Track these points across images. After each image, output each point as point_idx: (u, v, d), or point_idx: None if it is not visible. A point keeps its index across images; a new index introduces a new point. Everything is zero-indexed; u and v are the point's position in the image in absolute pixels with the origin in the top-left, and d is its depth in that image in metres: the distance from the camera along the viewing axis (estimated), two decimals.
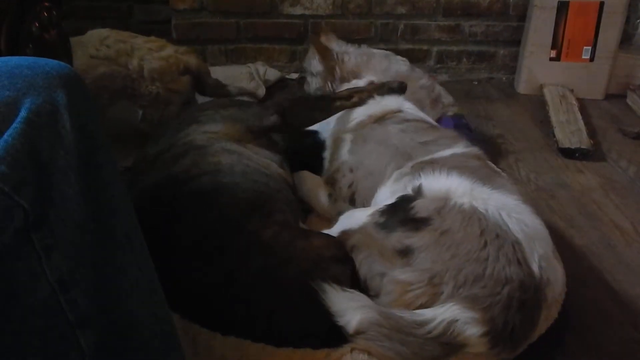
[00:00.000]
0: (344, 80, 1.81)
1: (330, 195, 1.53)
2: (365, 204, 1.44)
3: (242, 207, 1.20)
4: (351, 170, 1.51)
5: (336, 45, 1.90)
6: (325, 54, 1.85)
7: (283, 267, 1.11)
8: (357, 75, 1.80)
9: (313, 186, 1.59)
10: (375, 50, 1.95)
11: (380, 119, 1.55)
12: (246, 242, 1.13)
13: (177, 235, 1.14)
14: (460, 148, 1.39)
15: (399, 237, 1.11)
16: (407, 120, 1.53)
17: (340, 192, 1.52)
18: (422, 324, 0.97)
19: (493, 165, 1.44)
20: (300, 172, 1.63)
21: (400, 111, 1.57)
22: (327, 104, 1.64)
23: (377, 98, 1.62)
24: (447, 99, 2.09)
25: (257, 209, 1.22)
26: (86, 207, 0.66)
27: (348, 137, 1.58)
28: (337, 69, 1.82)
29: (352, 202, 1.50)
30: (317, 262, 1.14)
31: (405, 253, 1.08)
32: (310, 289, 1.02)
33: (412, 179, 1.26)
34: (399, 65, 1.94)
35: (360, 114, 1.60)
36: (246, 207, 1.21)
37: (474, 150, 1.40)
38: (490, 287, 1.00)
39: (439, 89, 2.08)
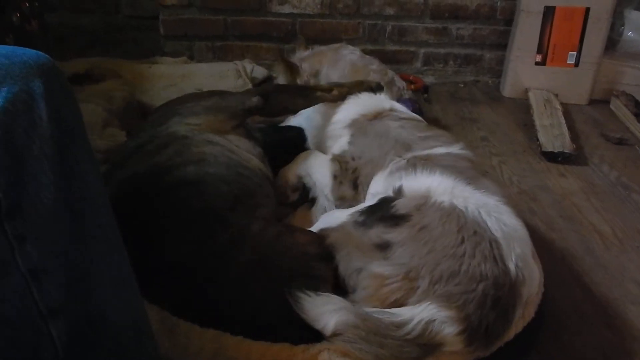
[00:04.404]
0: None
1: (335, 177, 1.52)
2: (367, 189, 1.44)
3: (227, 198, 1.20)
4: (353, 159, 1.51)
5: (297, 57, 2.06)
6: (291, 70, 1.98)
7: (270, 263, 1.11)
8: (317, 74, 1.93)
9: (320, 164, 1.57)
10: (323, 47, 2.08)
11: (375, 117, 1.57)
12: (233, 235, 1.12)
13: (161, 226, 1.13)
14: (455, 149, 1.40)
15: (378, 232, 1.11)
16: (404, 119, 1.56)
17: (346, 175, 1.51)
18: (400, 325, 0.97)
19: (483, 167, 1.45)
20: (309, 151, 1.67)
21: (393, 110, 1.60)
22: (309, 93, 1.70)
23: (364, 96, 1.67)
24: (400, 83, 2.15)
25: (241, 201, 1.22)
26: (60, 196, 0.65)
27: (345, 132, 1.59)
28: (304, 76, 1.96)
29: (355, 187, 1.48)
30: (303, 260, 1.14)
31: (383, 247, 1.09)
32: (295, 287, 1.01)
33: (405, 173, 1.27)
34: (350, 55, 2.04)
35: (353, 112, 1.62)
36: (231, 199, 1.21)
37: (468, 153, 1.41)
38: (464, 283, 1.01)
39: (391, 73, 2.14)
